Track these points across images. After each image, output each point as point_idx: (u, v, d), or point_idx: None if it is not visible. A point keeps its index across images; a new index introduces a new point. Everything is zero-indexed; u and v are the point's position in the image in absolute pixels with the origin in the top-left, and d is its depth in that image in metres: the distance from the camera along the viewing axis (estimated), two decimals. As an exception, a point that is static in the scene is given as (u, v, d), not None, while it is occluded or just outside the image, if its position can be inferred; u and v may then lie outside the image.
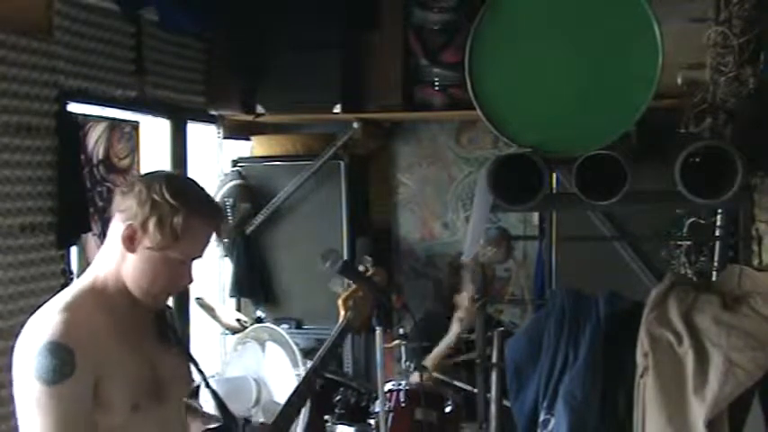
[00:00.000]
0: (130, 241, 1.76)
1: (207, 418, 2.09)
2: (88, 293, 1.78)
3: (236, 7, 3.98)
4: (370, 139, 4.55)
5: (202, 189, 1.86)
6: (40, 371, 1.62)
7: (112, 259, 1.80)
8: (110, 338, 1.73)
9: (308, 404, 3.71)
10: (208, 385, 2.02)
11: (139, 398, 1.75)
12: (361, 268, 2.60)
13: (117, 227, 1.79)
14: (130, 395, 1.74)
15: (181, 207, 1.75)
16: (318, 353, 2.49)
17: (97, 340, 1.70)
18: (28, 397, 1.65)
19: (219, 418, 2.04)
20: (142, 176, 1.85)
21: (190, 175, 3.95)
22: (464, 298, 4.16)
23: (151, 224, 1.74)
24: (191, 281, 1.86)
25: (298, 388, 2.40)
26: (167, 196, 1.75)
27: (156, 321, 1.91)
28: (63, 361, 1.63)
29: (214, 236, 1.88)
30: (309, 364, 3.94)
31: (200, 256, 1.84)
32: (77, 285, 1.81)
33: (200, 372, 2.01)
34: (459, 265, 4.30)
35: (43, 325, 1.67)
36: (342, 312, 2.53)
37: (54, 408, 1.63)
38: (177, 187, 1.78)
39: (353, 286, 2.55)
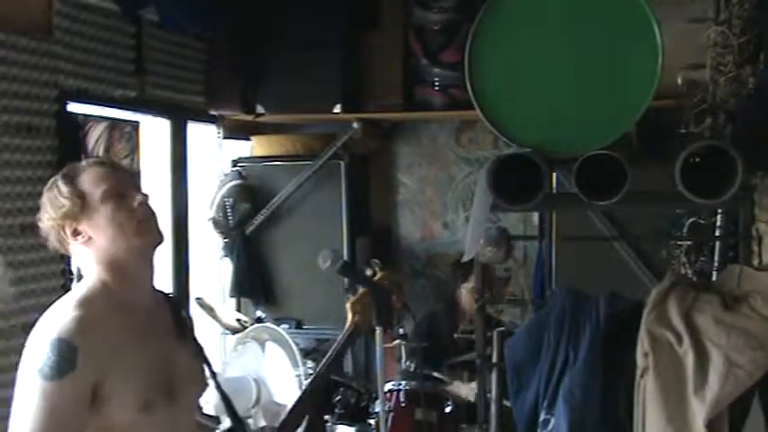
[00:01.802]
0: (75, 235, 1.79)
1: (206, 419, 2.09)
2: (102, 291, 1.78)
3: (236, 7, 3.98)
4: (370, 139, 4.55)
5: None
6: (40, 365, 1.64)
7: (94, 260, 1.81)
8: (123, 336, 1.73)
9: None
10: (218, 387, 2.02)
11: (151, 396, 1.75)
12: (368, 271, 2.60)
13: (72, 248, 1.82)
14: (142, 394, 1.73)
15: (54, 180, 1.81)
16: (324, 359, 2.48)
17: (107, 338, 1.70)
18: (24, 387, 1.67)
19: (219, 420, 2.04)
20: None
21: (190, 175, 3.99)
22: (465, 292, 4.17)
23: (54, 212, 1.78)
24: (143, 197, 1.83)
25: (302, 395, 2.40)
26: (44, 191, 1.81)
27: (175, 320, 1.92)
28: (63, 358, 1.63)
29: (123, 170, 1.93)
30: (314, 368, 3.98)
31: (124, 189, 1.82)
32: (91, 282, 1.81)
33: (213, 373, 2.01)
34: (461, 265, 4.31)
35: (54, 320, 1.69)
36: (349, 316, 2.53)
37: (45, 402, 1.64)
38: (50, 179, 1.84)
39: (362, 291, 2.55)
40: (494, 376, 2.99)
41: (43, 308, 2.70)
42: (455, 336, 3.90)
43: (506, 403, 2.91)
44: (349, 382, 3.72)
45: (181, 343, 1.90)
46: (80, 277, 1.88)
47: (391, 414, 3.52)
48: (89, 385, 1.68)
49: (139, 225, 1.81)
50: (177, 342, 1.89)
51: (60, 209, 1.78)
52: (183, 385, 1.85)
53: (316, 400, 2.45)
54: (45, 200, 1.81)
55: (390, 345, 3.77)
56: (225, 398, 2.03)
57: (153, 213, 1.85)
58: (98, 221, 1.79)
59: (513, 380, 2.75)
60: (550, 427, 2.59)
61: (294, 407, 2.36)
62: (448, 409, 3.62)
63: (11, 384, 2.56)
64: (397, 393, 3.60)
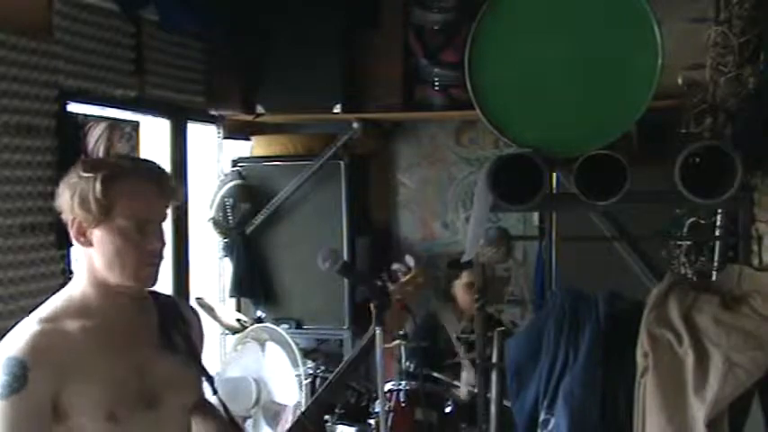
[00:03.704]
0: (81, 234, 1.75)
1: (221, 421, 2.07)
2: (65, 303, 1.76)
3: (236, 7, 3.98)
4: (370, 139, 4.55)
5: (128, 156, 1.84)
6: None
7: (85, 268, 1.78)
8: (82, 347, 1.71)
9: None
10: (215, 392, 1.99)
11: (117, 406, 1.73)
12: (402, 267, 2.59)
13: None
14: (106, 405, 1.71)
15: (94, 175, 1.72)
16: (347, 359, 2.47)
17: (61, 352, 1.68)
18: None
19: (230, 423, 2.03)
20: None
21: (190, 175, 3.98)
22: (459, 287, 4.17)
23: (76, 204, 1.72)
24: (161, 244, 1.79)
25: (317, 397, 2.40)
26: (80, 173, 1.74)
27: (160, 326, 1.88)
28: (13, 376, 1.64)
29: (165, 196, 1.81)
30: (313, 368, 3.98)
31: (154, 217, 1.77)
32: (55, 296, 1.79)
33: (209, 378, 1.97)
34: (456, 264, 4.32)
35: (12, 339, 1.68)
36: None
37: (2, 421, 1.64)
38: (91, 162, 1.78)
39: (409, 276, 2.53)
40: (494, 376, 2.99)
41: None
42: (455, 336, 3.91)
43: (506, 403, 2.91)
44: (349, 382, 3.72)
45: (164, 350, 1.86)
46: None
47: (391, 414, 3.52)
48: (45, 400, 1.67)
49: (142, 270, 1.77)
50: (159, 350, 1.85)
51: (82, 204, 1.72)
52: (164, 393, 1.82)
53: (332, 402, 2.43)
54: (74, 182, 1.73)
55: (390, 345, 3.77)
56: (222, 402, 2.01)
57: (161, 260, 1.81)
58: (106, 241, 1.74)
59: (513, 380, 2.75)
60: (550, 427, 2.59)
61: (305, 411, 2.36)
62: (448, 409, 3.62)
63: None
64: (397, 393, 3.60)
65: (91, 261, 1.77)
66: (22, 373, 1.64)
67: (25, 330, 1.69)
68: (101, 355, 1.73)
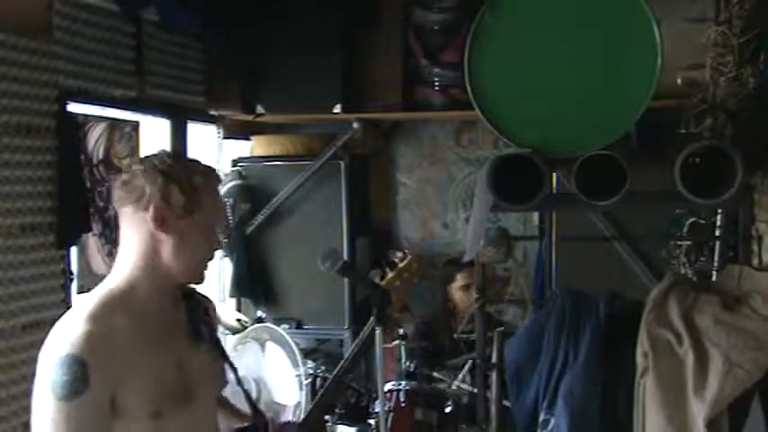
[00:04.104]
0: (162, 221, 1.76)
1: (238, 414, 2.09)
2: (111, 300, 1.75)
3: (236, 7, 3.98)
4: (370, 139, 4.55)
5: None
6: (54, 385, 1.61)
7: (139, 256, 1.78)
8: (132, 345, 1.70)
9: (308, 405, 3.72)
10: (240, 383, 2.01)
11: (162, 404, 1.73)
12: (397, 258, 2.62)
13: (134, 221, 1.77)
14: (154, 402, 1.71)
15: (193, 168, 1.80)
16: (349, 352, 2.49)
17: (116, 351, 1.67)
18: (41, 408, 1.64)
19: (249, 416, 2.04)
20: (132, 165, 1.83)
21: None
22: (455, 290, 4.17)
23: (174, 193, 1.75)
24: (220, 246, 1.88)
25: (327, 388, 2.42)
26: (175, 164, 1.78)
27: (189, 319, 1.89)
28: (76, 377, 1.60)
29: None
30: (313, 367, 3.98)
31: (222, 221, 1.89)
32: (100, 292, 1.77)
33: (234, 370, 1.99)
34: (452, 264, 4.32)
35: (63, 336, 1.65)
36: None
37: (65, 423, 1.61)
38: (175, 156, 1.82)
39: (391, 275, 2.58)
40: (494, 376, 2.99)
41: (43, 307, 2.75)
42: (455, 336, 3.91)
43: (506, 403, 2.91)
44: (349, 382, 3.73)
45: (195, 344, 1.87)
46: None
47: (391, 414, 3.52)
48: (106, 400, 1.65)
49: (203, 267, 1.85)
50: (191, 344, 1.87)
51: (176, 193, 1.75)
52: (199, 387, 1.83)
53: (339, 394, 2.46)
54: (169, 172, 1.76)
55: (390, 345, 3.77)
56: (247, 395, 2.03)
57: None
58: (187, 233, 1.78)
59: (512, 380, 2.75)
60: (550, 427, 2.59)
61: (317, 402, 2.38)
62: (448, 409, 3.62)
63: (11, 385, 2.59)
64: (397, 393, 3.60)
65: (156, 250, 1.77)
66: (83, 372, 1.60)
67: (76, 327, 1.65)
68: (146, 351, 1.73)
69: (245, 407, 2.07)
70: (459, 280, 4.22)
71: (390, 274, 2.50)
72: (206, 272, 1.88)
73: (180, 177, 1.77)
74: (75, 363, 1.60)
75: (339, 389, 2.48)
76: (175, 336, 1.84)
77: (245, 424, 2.06)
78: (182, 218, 1.76)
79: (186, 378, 1.80)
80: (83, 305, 1.73)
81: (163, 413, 1.72)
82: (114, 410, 1.67)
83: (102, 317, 1.69)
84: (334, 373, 2.46)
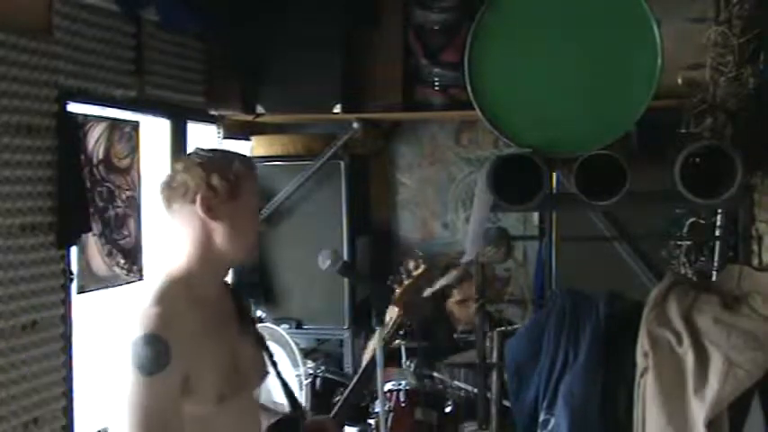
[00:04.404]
0: (210, 209, 1.84)
1: (266, 410, 2.13)
2: (174, 286, 1.82)
3: (236, 7, 3.98)
4: (370, 139, 4.55)
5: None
6: (140, 361, 1.68)
7: (194, 245, 1.85)
8: (199, 330, 1.77)
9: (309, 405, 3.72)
10: (279, 375, 2.08)
11: (225, 388, 1.79)
12: (411, 265, 2.65)
13: (184, 215, 1.85)
14: (218, 385, 1.78)
15: (230, 156, 1.90)
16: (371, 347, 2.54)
17: (188, 331, 1.74)
18: (128, 387, 1.70)
19: (277, 411, 2.10)
20: (175, 166, 1.92)
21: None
22: (453, 304, 4.18)
23: (215, 180, 1.83)
24: (262, 226, 1.95)
25: (358, 380, 2.45)
26: (211, 155, 1.88)
27: (237, 311, 1.96)
28: (159, 352, 1.68)
29: None
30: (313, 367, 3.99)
31: (261, 203, 1.94)
32: (161, 280, 1.84)
33: (273, 362, 2.06)
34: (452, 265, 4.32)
35: (140, 318, 1.72)
36: (395, 310, 2.59)
37: (148, 397, 1.68)
38: (210, 149, 1.92)
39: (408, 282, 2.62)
40: (494, 376, 2.99)
41: (43, 307, 2.75)
42: (454, 336, 3.91)
43: (506, 403, 2.91)
44: (349, 382, 3.72)
45: (244, 333, 1.95)
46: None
47: (391, 414, 3.52)
48: (180, 378, 1.72)
49: (254, 244, 1.93)
50: (240, 333, 1.94)
51: (219, 180, 1.83)
52: (248, 375, 1.91)
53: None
54: (209, 162, 1.85)
55: (390, 345, 3.77)
56: (285, 385, 2.10)
57: None
58: (236, 215, 1.86)
59: (512, 380, 2.75)
60: (550, 427, 2.59)
61: (346, 396, 2.40)
62: (448, 409, 3.62)
63: (11, 384, 2.59)
64: (397, 393, 3.60)
65: (209, 237, 1.85)
66: (165, 350, 1.68)
67: (149, 311, 1.72)
68: (209, 335, 1.80)
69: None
70: (456, 295, 4.21)
71: (407, 282, 2.51)
72: (254, 247, 1.95)
73: (219, 166, 1.85)
74: (156, 340, 1.68)
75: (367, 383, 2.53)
76: (228, 325, 1.91)
77: (279, 416, 2.11)
78: (227, 203, 1.85)
79: (239, 365, 1.86)
80: (150, 291, 1.80)
81: (226, 396, 1.79)
82: (188, 392, 1.74)
83: (170, 300, 1.76)
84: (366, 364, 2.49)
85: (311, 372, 3.99)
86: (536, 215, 4.35)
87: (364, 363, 2.57)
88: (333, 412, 2.43)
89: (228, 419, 1.82)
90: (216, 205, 1.84)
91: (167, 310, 1.72)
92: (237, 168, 1.87)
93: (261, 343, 2.03)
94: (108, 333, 3.36)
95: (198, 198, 1.83)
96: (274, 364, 2.06)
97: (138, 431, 1.67)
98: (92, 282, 3.10)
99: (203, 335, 1.78)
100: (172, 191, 1.86)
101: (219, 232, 1.85)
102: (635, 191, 2.45)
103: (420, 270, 2.60)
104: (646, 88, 2.48)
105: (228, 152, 1.95)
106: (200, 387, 1.75)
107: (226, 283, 2.00)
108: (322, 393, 4.03)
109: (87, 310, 3.10)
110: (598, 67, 2.53)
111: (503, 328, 3.14)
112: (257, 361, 1.99)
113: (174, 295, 1.78)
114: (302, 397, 3.75)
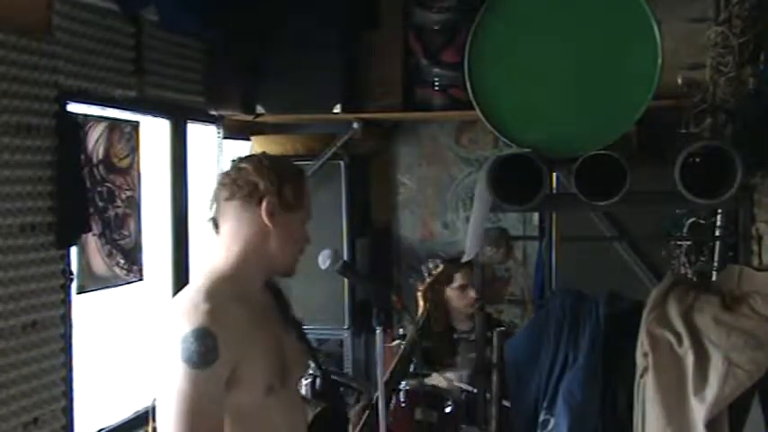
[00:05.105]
0: (272, 215, 1.90)
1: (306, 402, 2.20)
2: (222, 281, 1.86)
3: (236, 7, 3.98)
4: (370, 139, 4.55)
5: None
6: (189, 355, 1.71)
7: (248, 246, 1.91)
8: (247, 324, 1.82)
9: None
10: (321, 368, 2.17)
11: (273, 379, 1.85)
12: (431, 264, 2.76)
13: (243, 213, 1.91)
14: (267, 376, 1.83)
15: (297, 168, 1.99)
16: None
17: (237, 326, 1.78)
18: (171, 378, 1.73)
19: (317, 402, 2.15)
20: (238, 163, 1.97)
21: (190, 175, 3.99)
22: (450, 292, 4.17)
23: (287, 190, 1.91)
24: (309, 242, 2.02)
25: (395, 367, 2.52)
26: (283, 165, 1.96)
27: (279, 307, 2.02)
28: (208, 347, 1.72)
29: None
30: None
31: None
32: (209, 276, 1.89)
33: (314, 356, 2.13)
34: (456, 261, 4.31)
35: (189, 312, 1.76)
36: (421, 304, 2.67)
37: (195, 392, 1.71)
38: (273, 157, 2.00)
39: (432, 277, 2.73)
40: (494, 376, 2.99)
41: (43, 307, 2.74)
42: (454, 336, 3.90)
43: (506, 403, 2.91)
44: (349, 382, 3.72)
45: (286, 329, 2.00)
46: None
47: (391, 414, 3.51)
48: (227, 372, 1.76)
49: (298, 259, 2.00)
50: (283, 329, 1.99)
51: (288, 189, 1.90)
52: (292, 368, 1.96)
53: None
54: (283, 169, 1.93)
55: (390, 345, 3.77)
56: (327, 378, 2.23)
57: None
58: (292, 226, 1.95)
59: (512, 380, 2.75)
60: (550, 427, 2.59)
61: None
62: (448, 409, 3.62)
63: (11, 385, 2.59)
64: (397, 393, 3.59)
65: (264, 241, 1.91)
66: (213, 344, 1.72)
67: (199, 304, 1.76)
68: (256, 331, 1.85)
69: None
70: (457, 280, 4.21)
71: (428, 280, 2.66)
72: (299, 260, 2.01)
73: (291, 176, 1.94)
74: (206, 335, 1.72)
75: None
76: (271, 320, 1.96)
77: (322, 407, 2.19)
78: (288, 213, 1.92)
79: (284, 359, 1.91)
80: (198, 286, 1.85)
81: (274, 388, 1.84)
82: (232, 382, 1.78)
83: (219, 295, 1.81)
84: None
85: (311, 372, 3.98)
86: (536, 215, 4.34)
87: (393, 363, 2.63)
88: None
89: (277, 411, 1.87)
90: (278, 212, 1.90)
91: (217, 306, 1.77)
92: (303, 182, 1.96)
93: (303, 338, 2.08)
94: (107, 333, 3.36)
95: (265, 201, 1.89)
96: (316, 359, 2.14)
97: (183, 420, 1.70)
98: (92, 282, 3.10)
99: (251, 327, 1.82)
100: (237, 188, 1.91)
101: (275, 238, 1.92)
102: (635, 191, 2.45)
103: (440, 269, 2.65)
104: (646, 88, 2.48)
105: (292, 163, 2.01)
106: (249, 378, 1.79)
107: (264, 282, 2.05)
108: (322, 393, 4.03)
109: (87, 310, 3.10)
110: (598, 67, 2.53)
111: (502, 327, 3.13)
112: (300, 355, 2.05)
113: (222, 291, 1.82)
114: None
